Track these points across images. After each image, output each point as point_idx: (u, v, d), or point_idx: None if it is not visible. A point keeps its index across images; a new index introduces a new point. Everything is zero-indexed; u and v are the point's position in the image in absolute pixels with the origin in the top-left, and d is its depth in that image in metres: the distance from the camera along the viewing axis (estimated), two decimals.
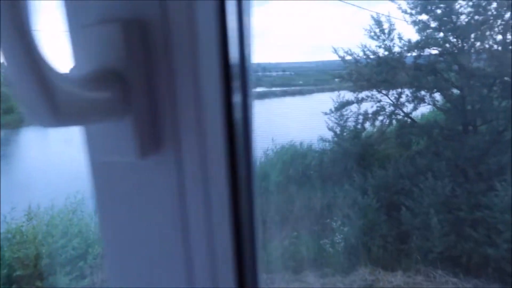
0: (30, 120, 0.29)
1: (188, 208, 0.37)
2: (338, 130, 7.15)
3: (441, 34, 5.64)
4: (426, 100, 6.02)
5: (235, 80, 0.35)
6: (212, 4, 0.33)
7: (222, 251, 0.38)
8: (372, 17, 6.09)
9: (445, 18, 5.46)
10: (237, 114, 0.36)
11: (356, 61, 6.55)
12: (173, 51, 0.33)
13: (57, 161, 9.63)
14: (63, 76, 0.29)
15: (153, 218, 0.39)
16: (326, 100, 7.99)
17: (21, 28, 0.25)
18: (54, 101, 0.28)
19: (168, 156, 0.36)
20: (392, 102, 6.31)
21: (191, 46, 0.33)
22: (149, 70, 0.34)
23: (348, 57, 6.51)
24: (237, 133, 0.36)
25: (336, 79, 8.34)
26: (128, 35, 0.33)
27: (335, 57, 6.63)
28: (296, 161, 7.69)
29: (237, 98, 0.36)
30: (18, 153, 10.52)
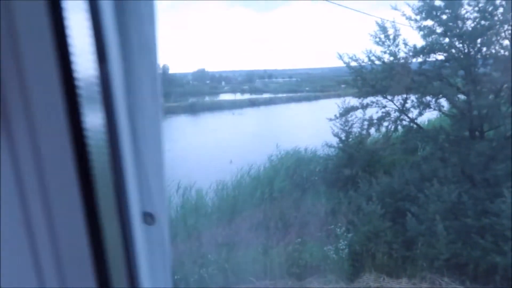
0: None
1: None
2: (343, 136, 7.12)
3: (447, 40, 5.60)
4: (431, 106, 5.96)
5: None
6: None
7: (71, 249, 0.39)
8: (377, 23, 6.08)
9: (451, 24, 5.43)
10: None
11: (361, 66, 6.54)
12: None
13: None
14: None
15: None
16: (331, 106, 7.97)
17: None
18: None
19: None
20: (397, 108, 6.27)
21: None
22: None
23: (353, 63, 6.50)
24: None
25: (342, 85, 8.32)
26: None
27: (340, 63, 6.62)
28: (300, 167, 7.67)
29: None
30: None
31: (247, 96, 26.32)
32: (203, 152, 11.44)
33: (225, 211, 6.19)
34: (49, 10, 0.36)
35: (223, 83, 33.33)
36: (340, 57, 6.55)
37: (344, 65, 6.62)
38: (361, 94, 6.58)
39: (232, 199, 6.38)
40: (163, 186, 0.57)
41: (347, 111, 6.78)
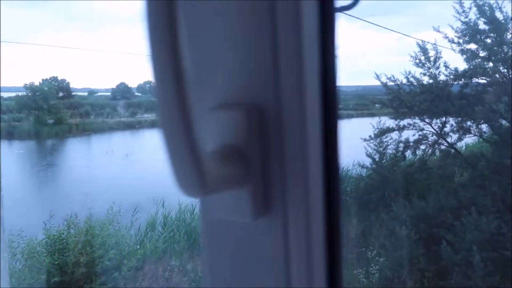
0: (180, 188, 0.35)
1: (291, 268, 0.42)
2: (377, 157, 7.00)
3: (491, 64, 5.46)
4: (472, 131, 5.80)
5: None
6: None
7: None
8: (418, 44, 6.01)
9: (496, 48, 5.30)
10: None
11: (399, 87, 6.45)
12: (284, 132, 0.40)
13: (98, 172, 9.98)
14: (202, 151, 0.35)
15: (258, 274, 0.44)
16: (364, 125, 7.88)
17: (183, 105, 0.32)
18: (202, 173, 0.34)
19: (275, 219, 0.42)
20: (435, 131, 6.13)
21: (299, 129, 0.40)
22: (263, 148, 0.41)
23: (390, 83, 6.42)
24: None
25: (377, 105, 8.23)
26: (248, 119, 0.40)
27: (374, 82, 6.55)
28: None
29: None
30: (63, 162, 10.99)
31: None
32: None
33: None
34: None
35: None
36: (377, 76, 6.49)
37: (379, 84, 6.54)
38: (397, 116, 6.47)
39: None
40: None
41: (383, 132, 6.68)
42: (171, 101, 0.32)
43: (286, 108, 0.40)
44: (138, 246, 4.98)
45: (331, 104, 0.43)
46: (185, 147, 0.32)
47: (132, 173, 10.35)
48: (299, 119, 0.40)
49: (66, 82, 12.47)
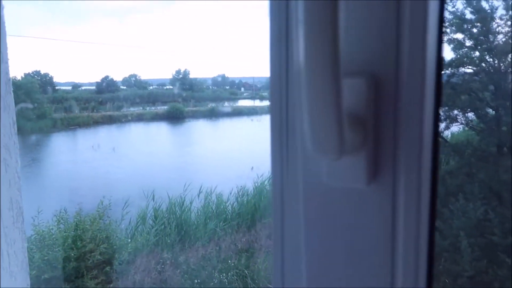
0: (314, 151, 0.36)
1: (398, 233, 0.44)
2: None
3: (477, 53, 5.53)
4: (459, 120, 5.88)
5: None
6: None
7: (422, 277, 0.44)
8: None
9: (482, 37, 5.36)
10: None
11: None
12: (400, 100, 0.43)
13: (85, 167, 9.85)
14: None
15: (362, 241, 0.46)
16: None
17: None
18: (342, 137, 0.36)
19: (384, 184, 0.44)
20: None
21: (418, 97, 0.42)
22: (379, 115, 0.44)
23: None
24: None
25: None
26: (369, 87, 0.43)
27: None
28: None
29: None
30: (48, 157, 10.81)
31: (265, 103, 26.37)
32: (223, 157, 11.50)
33: (245, 217, 6.20)
34: None
35: (242, 89, 33.46)
36: None
37: None
38: None
39: (253, 205, 6.39)
40: None
41: None
42: (325, 67, 0.33)
43: (405, 80, 0.42)
44: (129, 240, 4.95)
45: (439, 80, 0.45)
46: (333, 112, 0.35)
47: (119, 167, 10.25)
48: (417, 91, 0.42)
49: (49, 76, 12.24)
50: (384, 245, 0.45)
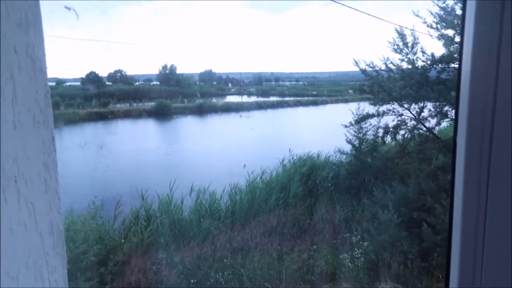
0: None
1: None
2: (356, 142, 7.09)
3: None
4: (449, 116, 5.94)
5: None
6: None
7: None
8: (396, 30, 6.06)
9: None
10: None
11: (378, 73, 6.52)
12: None
13: (73, 165, 9.68)
14: None
15: None
16: (339, 111, 7.95)
17: None
18: None
19: None
20: (414, 116, 6.24)
21: None
22: None
23: (369, 69, 6.48)
24: None
25: (350, 91, 8.34)
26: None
27: (348, 68, 6.63)
28: (313, 172, 7.62)
29: None
30: None
31: (253, 98, 26.29)
32: (214, 154, 11.43)
33: (239, 215, 6.17)
34: None
35: (229, 84, 33.33)
36: (356, 63, 6.53)
37: (353, 70, 6.59)
38: (376, 102, 6.55)
39: (246, 203, 6.36)
40: None
41: (363, 118, 6.75)
42: None
43: None
44: (123, 240, 4.88)
45: None
46: None
47: (108, 166, 10.10)
48: None
49: None
50: None
